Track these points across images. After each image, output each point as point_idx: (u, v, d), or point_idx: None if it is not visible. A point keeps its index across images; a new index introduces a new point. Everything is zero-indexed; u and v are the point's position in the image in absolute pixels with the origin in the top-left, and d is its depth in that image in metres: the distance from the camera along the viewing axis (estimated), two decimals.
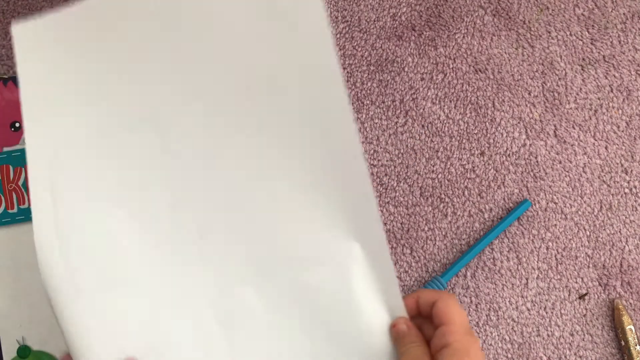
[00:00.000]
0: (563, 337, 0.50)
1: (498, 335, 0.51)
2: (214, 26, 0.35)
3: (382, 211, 0.53)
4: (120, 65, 0.35)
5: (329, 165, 0.34)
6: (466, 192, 0.53)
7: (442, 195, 0.53)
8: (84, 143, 0.36)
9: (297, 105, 0.34)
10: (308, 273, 0.36)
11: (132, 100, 0.36)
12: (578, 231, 0.52)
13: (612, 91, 0.54)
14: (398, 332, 0.35)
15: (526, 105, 0.54)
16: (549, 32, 0.55)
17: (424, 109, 0.54)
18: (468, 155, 0.54)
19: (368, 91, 0.55)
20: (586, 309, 0.51)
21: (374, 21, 0.56)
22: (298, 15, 0.34)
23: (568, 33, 0.55)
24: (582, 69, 0.54)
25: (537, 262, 0.52)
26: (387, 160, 0.54)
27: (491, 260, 0.52)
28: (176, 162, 0.36)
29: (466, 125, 0.54)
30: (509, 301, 0.51)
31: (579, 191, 0.52)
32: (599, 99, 0.54)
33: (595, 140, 0.53)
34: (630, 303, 0.50)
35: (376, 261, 0.35)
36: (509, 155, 0.53)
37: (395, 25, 0.56)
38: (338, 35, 0.55)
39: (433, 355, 0.33)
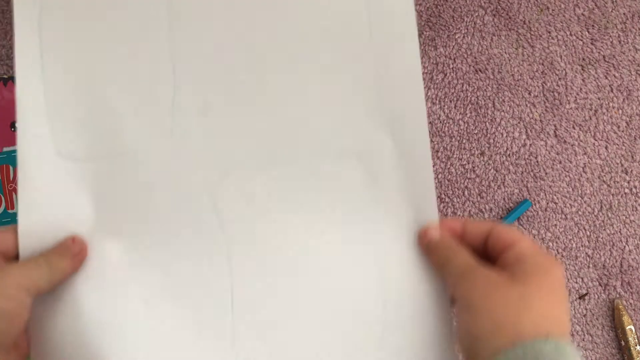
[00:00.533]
0: None
1: None
2: None
3: None
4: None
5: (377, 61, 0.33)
6: (466, 192, 0.53)
7: (442, 195, 0.53)
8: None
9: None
10: (330, 162, 0.34)
11: None
12: (578, 231, 0.52)
13: (612, 91, 0.54)
14: (430, 240, 0.31)
15: (526, 105, 0.54)
16: (549, 32, 0.55)
17: None
18: (468, 155, 0.54)
19: None
20: (586, 309, 0.51)
21: None
22: None
23: (568, 33, 0.55)
24: (582, 69, 0.54)
25: None
26: None
27: None
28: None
29: (466, 125, 0.54)
30: None
31: (579, 191, 0.52)
32: (599, 99, 0.54)
33: (596, 140, 0.53)
34: (631, 303, 0.50)
35: (412, 161, 0.33)
36: (509, 155, 0.53)
37: None
38: None
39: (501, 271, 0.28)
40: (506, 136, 0.54)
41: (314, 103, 0.34)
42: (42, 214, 0.35)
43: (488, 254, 0.29)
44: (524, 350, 0.24)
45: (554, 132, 0.53)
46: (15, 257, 0.33)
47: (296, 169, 0.34)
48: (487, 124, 0.54)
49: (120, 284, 0.34)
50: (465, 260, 0.28)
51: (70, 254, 0.32)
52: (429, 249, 0.31)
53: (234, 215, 0.35)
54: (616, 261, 0.51)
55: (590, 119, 0.53)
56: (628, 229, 0.52)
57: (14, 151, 0.53)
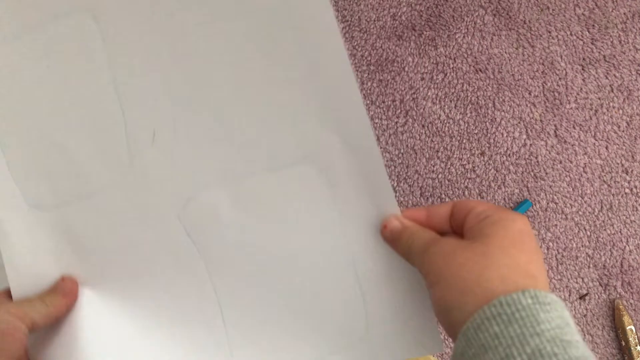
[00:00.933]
0: None
1: None
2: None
3: None
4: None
5: (309, 63, 0.33)
6: (466, 192, 0.53)
7: (443, 195, 0.53)
8: None
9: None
10: (286, 170, 0.35)
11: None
12: (578, 231, 0.52)
13: (612, 91, 0.54)
14: (392, 231, 0.30)
15: (526, 105, 0.54)
16: (550, 32, 0.55)
17: (424, 109, 0.54)
18: (468, 155, 0.53)
19: (368, 91, 0.55)
20: (587, 309, 0.51)
21: (374, 21, 0.56)
22: None
23: (568, 33, 0.55)
24: (582, 69, 0.54)
25: None
26: (387, 160, 0.54)
27: None
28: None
29: (466, 125, 0.54)
30: None
31: (580, 191, 0.52)
32: (599, 98, 0.54)
33: (596, 140, 0.53)
34: (631, 303, 0.50)
35: (361, 156, 0.34)
36: (509, 155, 0.53)
37: (395, 25, 0.56)
38: None
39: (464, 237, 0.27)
40: (506, 136, 0.54)
41: (260, 115, 0.35)
42: (26, 265, 0.36)
43: (455, 232, 0.29)
44: (499, 307, 0.23)
45: (555, 132, 0.53)
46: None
47: (254, 182, 0.35)
48: (488, 123, 0.54)
49: (112, 317, 0.36)
50: (427, 237, 0.28)
51: (62, 292, 0.34)
52: (392, 239, 0.31)
53: (205, 235, 0.36)
54: (616, 261, 0.51)
55: (591, 119, 0.53)
56: (628, 229, 0.52)
57: None
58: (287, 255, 0.35)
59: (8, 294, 0.34)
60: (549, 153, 0.53)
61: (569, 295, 0.51)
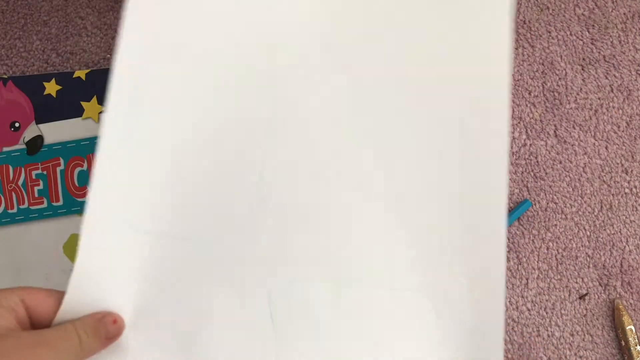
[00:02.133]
0: (563, 338, 0.50)
1: None
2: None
3: None
4: None
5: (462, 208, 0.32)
6: None
7: None
8: None
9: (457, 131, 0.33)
10: (399, 294, 0.33)
11: None
12: (578, 231, 0.52)
13: (612, 91, 0.54)
14: None
15: (526, 105, 0.54)
16: (549, 32, 0.55)
17: None
18: None
19: None
20: (586, 309, 0.51)
21: None
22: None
23: (568, 33, 0.55)
24: (582, 69, 0.54)
25: (537, 262, 0.51)
26: None
27: None
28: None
29: None
30: (509, 301, 0.51)
31: (579, 191, 0.52)
32: (599, 98, 0.54)
33: (596, 140, 0.53)
34: (631, 303, 0.50)
35: (482, 315, 0.32)
36: (509, 155, 0.53)
37: None
38: None
39: None
40: None
41: (394, 234, 0.33)
42: (93, 279, 0.33)
43: None
44: None
45: (554, 132, 0.53)
46: (48, 320, 0.30)
47: (361, 293, 0.33)
48: None
49: None
50: None
51: (105, 335, 0.30)
52: None
53: (292, 327, 0.33)
54: (616, 261, 0.51)
55: (591, 119, 0.53)
56: (628, 229, 0.52)
57: (14, 151, 0.53)
58: None
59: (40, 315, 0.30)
60: (549, 153, 0.53)
61: (569, 295, 0.51)
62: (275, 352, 0.33)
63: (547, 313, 0.51)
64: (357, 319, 0.33)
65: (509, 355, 0.50)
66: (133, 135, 0.34)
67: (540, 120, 0.54)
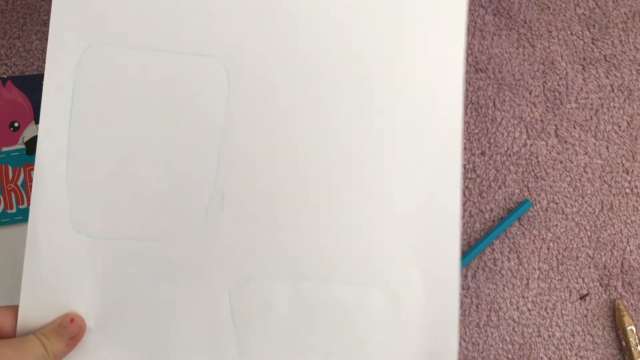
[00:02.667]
0: (564, 338, 0.50)
1: (499, 335, 0.51)
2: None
3: None
4: None
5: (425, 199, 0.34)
6: (467, 192, 0.53)
7: None
8: None
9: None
10: (356, 289, 0.34)
11: None
12: (579, 231, 0.52)
13: (613, 91, 0.54)
14: None
15: (527, 105, 0.54)
16: (550, 32, 0.55)
17: None
18: (469, 155, 0.53)
19: None
20: (587, 310, 0.51)
21: None
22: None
23: (569, 32, 0.55)
24: (583, 69, 0.54)
25: (538, 262, 0.51)
26: None
27: (492, 260, 0.52)
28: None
29: (467, 125, 0.54)
30: (509, 302, 0.51)
31: (580, 191, 0.52)
32: (600, 98, 0.54)
33: (596, 140, 0.53)
34: (632, 303, 0.50)
35: (437, 307, 0.33)
36: (509, 155, 0.53)
37: None
38: None
39: None
40: (507, 136, 0.54)
41: (350, 228, 0.34)
42: (45, 287, 0.34)
43: None
44: None
45: (555, 132, 0.53)
46: (12, 333, 0.31)
47: (320, 287, 0.34)
48: (488, 123, 0.54)
49: None
50: None
51: (67, 336, 0.31)
52: None
53: (250, 324, 0.34)
54: (617, 261, 0.51)
55: (591, 118, 0.53)
56: (629, 229, 0.52)
57: (13, 151, 0.53)
58: None
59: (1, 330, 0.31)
60: (550, 153, 0.53)
61: (570, 295, 0.51)
62: (237, 349, 0.34)
63: (547, 313, 0.51)
64: (315, 313, 0.34)
65: (510, 356, 0.50)
66: (75, 135, 0.34)
67: (541, 120, 0.54)
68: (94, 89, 0.34)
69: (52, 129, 0.34)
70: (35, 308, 0.33)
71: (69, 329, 0.31)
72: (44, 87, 0.34)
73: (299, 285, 0.34)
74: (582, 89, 0.54)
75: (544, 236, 0.52)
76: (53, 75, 0.34)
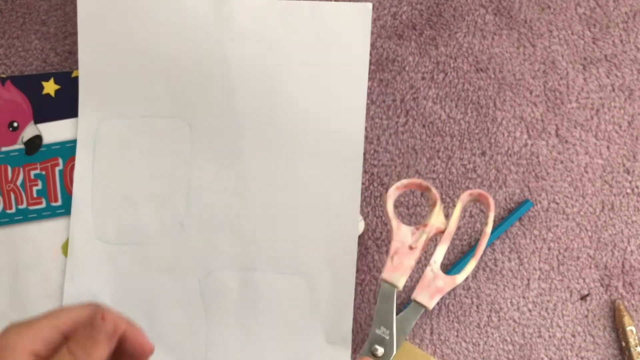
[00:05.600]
0: (564, 338, 0.50)
1: (499, 336, 0.51)
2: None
3: (381, 212, 0.52)
4: None
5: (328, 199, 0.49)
6: None
7: (444, 196, 0.53)
8: None
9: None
10: (286, 278, 0.48)
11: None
12: (580, 232, 0.52)
13: (613, 90, 0.54)
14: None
15: (527, 105, 0.54)
16: (551, 31, 0.55)
17: (424, 109, 0.54)
18: (469, 155, 0.53)
19: (368, 90, 0.54)
20: (588, 310, 0.51)
21: (375, 20, 0.56)
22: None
23: (570, 32, 0.55)
24: (583, 68, 0.54)
25: (539, 262, 0.51)
26: (387, 160, 0.53)
27: (492, 260, 0.52)
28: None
29: (467, 124, 0.54)
30: (510, 302, 0.51)
31: (581, 191, 0.52)
32: (600, 98, 0.54)
33: (597, 140, 0.53)
34: (632, 304, 0.50)
35: (338, 287, 0.47)
36: (510, 155, 0.53)
37: (395, 24, 0.56)
38: None
39: None
40: (507, 136, 0.53)
41: (281, 232, 0.48)
42: (82, 284, 0.49)
43: None
44: None
45: (556, 131, 0.53)
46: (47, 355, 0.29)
47: (261, 276, 0.48)
48: (488, 123, 0.54)
49: None
50: None
51: (106, 337, 0.28)
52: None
53: (214, 302, 0.48)
54: (618, 262, 0.51)
55: (592, 118, 0.53)
56: (630, 230, 0.51)
57: (12, 151, 0.53)
58: (269, 333, 0.48)
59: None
60: (550, 153, 0.53)
61: (570, 295, 0.51)
62: (206, 322, 0.48)
63: (548, 314, 0.51)
64: (258, 295, 0.48)
65: (510, 356, 0.50)
66: (96, 180, 0.51)
67: (542, 120, 0.54)
68: (106, 150, 0.51)
69: (82, 176, 0.51)
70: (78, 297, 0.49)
71: (106, 328, 0.28)
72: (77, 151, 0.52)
73: (247, 274, 0.48)
74: (582, 88, 0.54)
75: (545, 236, 0.52)
76: (82, 137, 0.52)
